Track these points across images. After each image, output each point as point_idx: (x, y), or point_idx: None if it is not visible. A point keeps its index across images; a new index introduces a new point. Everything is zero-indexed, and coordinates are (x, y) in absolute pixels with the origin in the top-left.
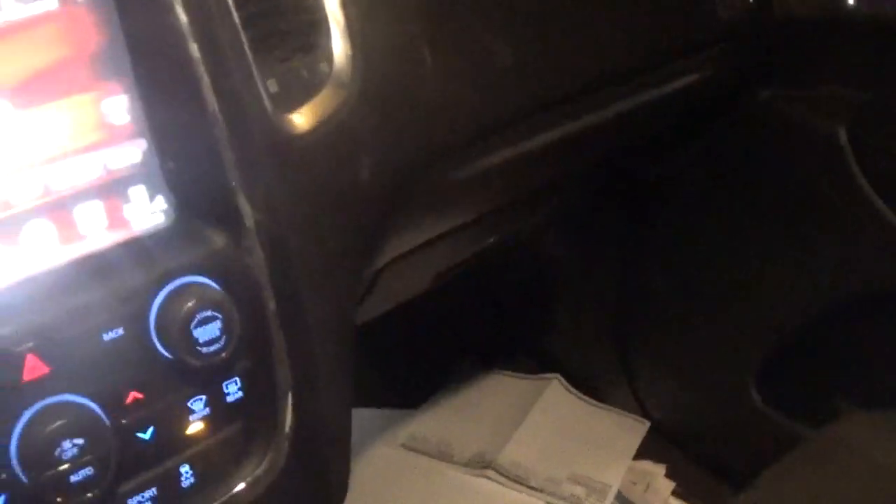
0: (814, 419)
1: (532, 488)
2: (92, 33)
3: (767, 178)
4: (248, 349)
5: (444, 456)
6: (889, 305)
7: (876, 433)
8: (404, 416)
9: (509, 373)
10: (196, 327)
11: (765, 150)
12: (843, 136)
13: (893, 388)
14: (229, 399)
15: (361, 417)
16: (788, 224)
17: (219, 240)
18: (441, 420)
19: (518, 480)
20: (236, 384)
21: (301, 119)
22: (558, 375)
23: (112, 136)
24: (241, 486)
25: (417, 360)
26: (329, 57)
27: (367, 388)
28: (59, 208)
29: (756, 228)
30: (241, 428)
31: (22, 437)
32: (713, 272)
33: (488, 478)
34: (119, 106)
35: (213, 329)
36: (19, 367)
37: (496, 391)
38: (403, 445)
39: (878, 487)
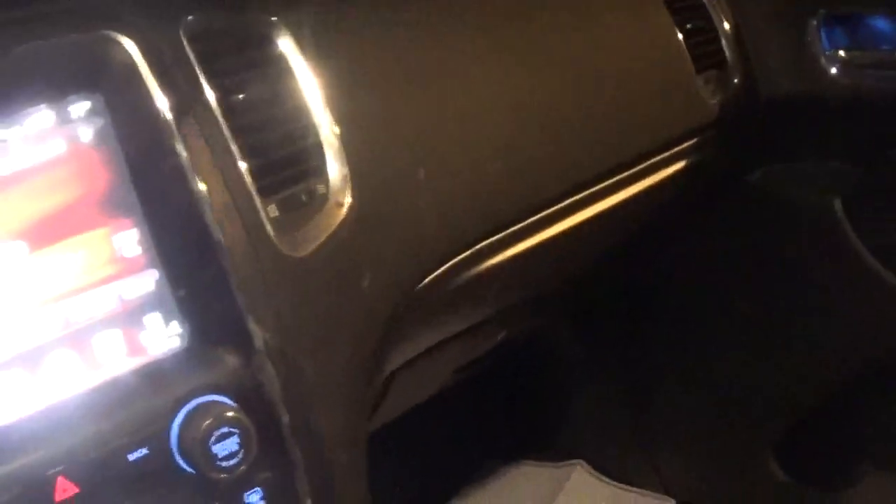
0: (835, 485)
1: None
2: (100, 172)
3: (769, 255)
4: (267, 461)
5: None
6: None
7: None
8: None
9: (533, 461)
10: (215, 443)
11: (762, 227)
12: (838, 208)
13: None
14: None
15: None
16: (794, 299)
17: (232, 360)
18: None
19: None
20: (258, 495)
21: (302, 241)
22: (581, 461)
23: (125, 269)
24: None
25: (440, 456)
26: (325, 179)
27: (389, 488)
28: (79, 338)
29: (762, 306)
30: None
31: None
32: (723, 351)
33: None
34: (130, 239)
35: (232, 444)
36: (50, 489)
37: (521, 481)
38: None
39: None
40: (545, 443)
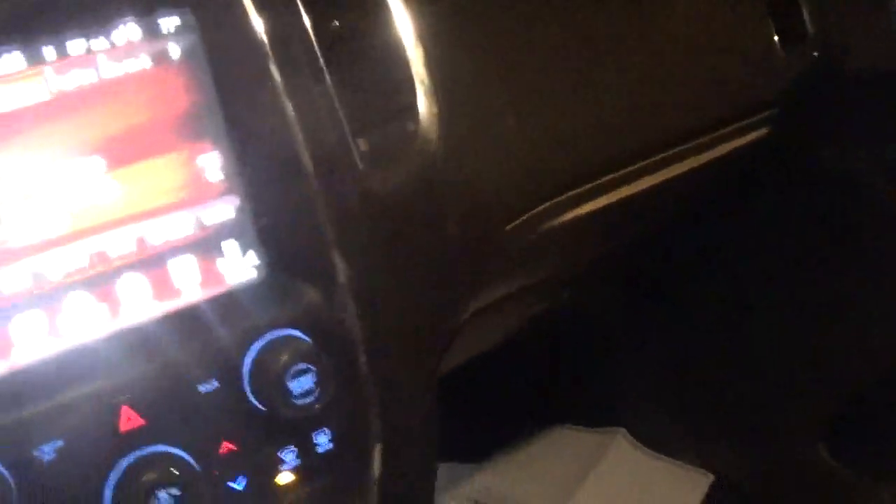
0: (885, 475)
1: None
2: (186, 91)
3: (824, 238)
4: (340, 402)
5: None
6: None
7: None
8: (472, 471)
9: (575, 427)
10: (290, 380)
11: (822, 209)
12: None
13: None
14: (320, 450)
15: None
16: (852, 280)
17: (312, 294)
18: (508, 475)
19: None
20: (327, 436)
21: (390, 177)
22: (623, 430)
23: (206, 193)
24: None
25: (486, 414)
26: (415, 117)
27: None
28: (153, 263)
29: (814, 288)
30: (331, 480)
31: (117, 487)
32: (775, 327)
33: None
34: (213, 163)
35: (308, 381)
36: (115, 418)
37: (562, 446)
38: (472, 500)
39: None
40: (588, 409)
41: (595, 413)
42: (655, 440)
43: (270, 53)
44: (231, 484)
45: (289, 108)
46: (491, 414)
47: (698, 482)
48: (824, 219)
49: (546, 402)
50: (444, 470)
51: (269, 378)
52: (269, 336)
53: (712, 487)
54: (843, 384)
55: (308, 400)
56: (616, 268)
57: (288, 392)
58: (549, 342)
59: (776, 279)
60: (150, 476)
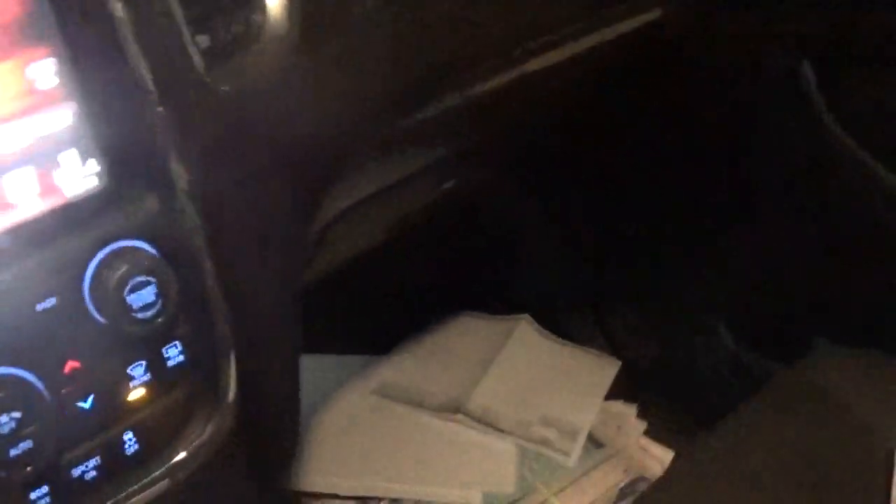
0: (785, 358)
1: (503, 431)
2: None
3: (731, 116)
4: (187, 313)
5: (415, 402)
6: (863, 246)
7: (846, 375)
8: (375, 363)
9: (479, 314)
10: (130, 293)
11: (724, 86)
12: (805, 70)
13: (866, 329)
14: (170, 365)
15: (331, 365)
16: (757, 161)
17: (153, 203)
18: (412, 366)
19: (489, 424)
20: (177, 349)
21: (234, 74)
22: (527, 316)
23: (40, 102)
24: (187, 451)
25: (387, 306)
26: (263, 8)
27: (335, 336)
28: None
29: (723, 167)
30: (184, 393)
31: None
32: (682, 211)
33: (459, 422)
34: (47, 70)
35: (149, 294)
36: None
37: (466, 334)
38: (374, 392)
39: (846, 431)
40: (493, 296)
41: (499, 300)
42: (561, 326)
43: None
44: (79, 403)
45: (118, 7)
46: (391, 305)
47: (606, 368)
48: (724, 96)
49: (449, 291)
50: (345, 364)
51: (109, 291)
52: (108, 248)
53: (619, 373)
54: (744, 268)
55: (150, 313)
56: (509, 149)
57: (128, 305)
58: (447, 229)
59: (682, 159)
60: None
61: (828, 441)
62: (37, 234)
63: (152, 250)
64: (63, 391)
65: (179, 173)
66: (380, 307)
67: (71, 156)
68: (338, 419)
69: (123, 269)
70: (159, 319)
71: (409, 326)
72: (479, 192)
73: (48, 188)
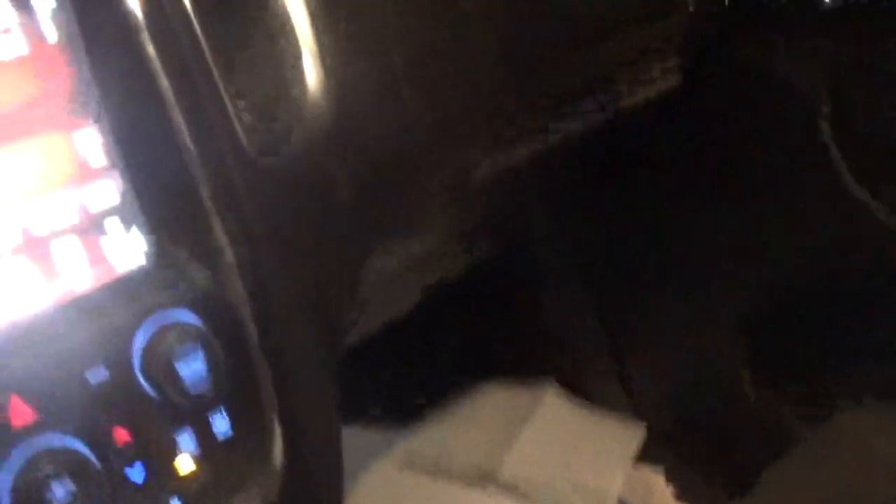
0: (811, 411)
1: (534, 501)
2: (64, 72)
3: (750, 148)
4: (234, 383)
5: (443, 472)
6: (885, 292)
7: (874, 423)
8: (401, 433)
9: (503, 382)
10: (179, 364)
11: (745, 112)
12: (824, 98)
13: (890, 377)
14: (217, 434)
15: (357, 438)
16: (769, 208)
17: (198, 275)
18: (438, 435)
19: (520, 494)
20: (224, 419)
21: (275, 146)
22: (553, 381)
23: (87, 174)
24: None
25: (411, 376)
26: (302, 82)
27: (361, 408)
28: (36, 248)
29: (741, 206)
30: (232, 463)
31: (11, 482)
32: (699, 263)
33: (489, 492)
34: (93, 143)
35: (198, 365)
36: (5, 411)
37: (492, 402)
38: (401, 463)
39: (881, 480)
40: (517, 361)
41: (523, 367)
42: (587, 391)
43: (145, 27)
44: (129, 473)
45: (164, 82)
46: (416, 375)
47: (632, 433)
48: (745, 121)
49: (473, 358)
50: (371, 437)
51: (159, 363)
52: (156, 319)
53: (646, 438)
54: (764, 322)
55: (199, 383)
56: (531, 218)
57: (178, 377)
58: (471, 297)
59: (700, 207)
60: (44, 469)
61: (862, 493)
62: (84, 304)
63: (199, 321)
64: (112, 461)
65: (224, 245)
66: (404, 377)
67: (118, 228)
68: (366, 492)
69: (172, 339)
70: (207, 390)
71: (435, 395)
72: (507, 257)
73: (95, 258)
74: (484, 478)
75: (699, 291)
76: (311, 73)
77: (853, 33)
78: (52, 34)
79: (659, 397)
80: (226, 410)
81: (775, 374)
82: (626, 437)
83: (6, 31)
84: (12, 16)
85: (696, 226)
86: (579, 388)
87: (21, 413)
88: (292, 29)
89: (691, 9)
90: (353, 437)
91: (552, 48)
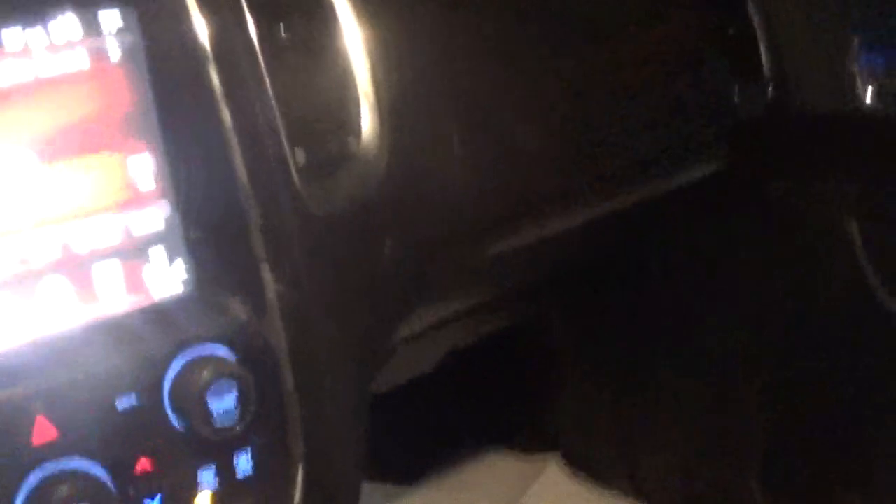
0: None
1: None
2: (123, 93)
3: (774, 271)
4: (263, 423)
5: None
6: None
7: None
8: (401, 493)
9: (508, 451)
10: (211, 398)
11: (773, 243)
12: (854, 230)
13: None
14: (239, 473)
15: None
16: (794, 318)
17: (239, 310)
18: (438, 498)
19: None
20: (248, 458)
21: (327, 192)
22: (557, 455)
23: (136, 198)
24: None
25: (416, 435)
26: (357, 132)
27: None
28: (77, 268)
29: (759, 322)
30: (251, 502)
31: (26, 501)
32: (715, 364)
33: None
34: (145, 167)
35: (229, 401)
36: (28, 429)
37: (494, 470)
38: None
39: None
40: (524, 431)
41: (530, 437)
42: (590, 468)
43: (211, 58)
44: (146, 503)
45: (226, 115)
46: (422, 435)
47: None
48: (774, 252)
49: (480, 423)
50: (371, 492)
51: (190, 396)
52: (192, 352)
53: None
54: (777, 423)
55: (229, 420)
56: (556, 291)
57: (208, 411)
58: (484, 364)
59: (719, 311)
60: (61, 492)
61: None
62: (120, 330)
63: (234, 357)
64: (131, 490)
65: (269, 284)
66: (409, 434)
67: (161, 255)
68: None
69: (205, 373)
70: (236, 427)
71: (437, 456)
72: (525, 327)
73: (136, 285)
74: None
75: (712, 387)
76: (368, 122)
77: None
78: (115, 53)
79: (664, 482)
80: (251, 449)
81: (784, 477)
82: None
83: (69, 44)
84: (77, 30)
85: (713, 319)
86: (584, 465)
87: (44, 432)
88: (352, 77)
89: (736, 100)
90: None
91: (605, 132)
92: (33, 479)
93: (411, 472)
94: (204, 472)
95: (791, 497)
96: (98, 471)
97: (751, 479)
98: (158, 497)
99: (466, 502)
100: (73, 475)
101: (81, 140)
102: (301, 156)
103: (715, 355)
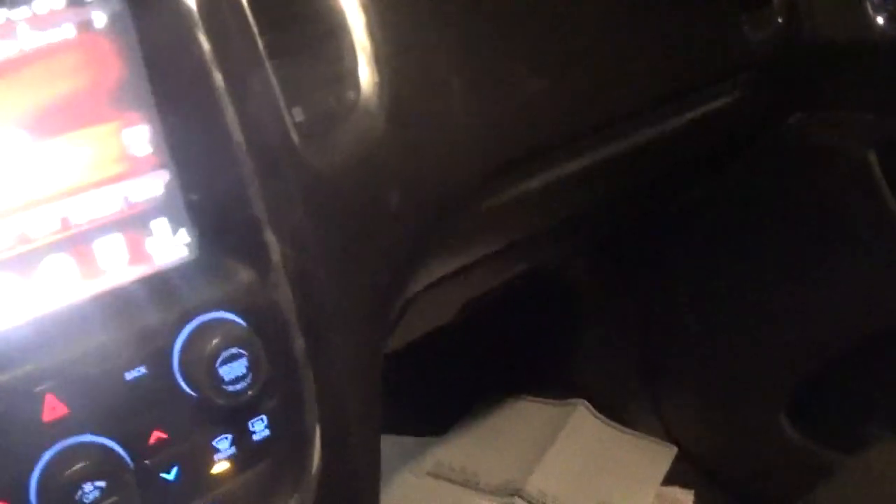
0: (846, 447)
1: None
2: (112, 62)
3: (796, 205)
4: (276, 387)
5: (470, 484)
6: None
7: None
8: (430, 444)
9: (535, 398)
10: (221, 365)
11: (793, 176)
12: (873, 160)
13: None
14: (256, 438)
15: (387, 445)
16: (818, 251)
17: (244, 275)
18: (467, 447)
19: None
20: (263, 423)
21: (327, 149)
22: (584, 401)
23: (133, 168)
24: None
25: (443, 386)
26: (356, 85)
27: (392, 415)
28: (78, 242)
29: (785, 256)
30: (268, 467)
31: (42, 479)
32: (741, 299)
33: None
34: (140, 137)
35: (240, 367)
36: (38, 407)
37: (522, 417)
38: (430, 473)
39: None
40: (550, 377)
41: (555, 383)
42: (617, 411)
43: (199, 20)
44: (163, 475)
45: (218, 78)
46: (449, 386)
47: (662, 454)
48: (795, 185)
49: (505, 372)
50: (400, 443)
51: (200, 363)
52: (199, 319)
53: (676, 460)
54: (803, 356)
55: (240, 386)
56: (576, 233)
57: (219, 378)
58: (508, 312)
59: (745, 246)
60: (76, 468)
61: None
62: (126, 302)
63: (243, 323)
64: (147, 461)
65: (273, 246)
66: (436, 387)
67: (162, 224)
68: (392, 499)
69: (215, 340)
70: (249, 392)
71: (466, 407)
72: (542, 273)
73: (139, 256)
74: (511, 490)
75: (742, 332)
76: (366, 77)
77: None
78: (100, 21)
79: (691, 422)
80: (265, 415)
81: (813, 412)
82: (656, 457)
83: (52, 14)
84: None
85: (737, 258)
86: (611, 409)
87: (54, 408)
88: (347, 31)
89: (746, 31)
90: (382, 444)
91: (612, 68)
92: (48, 456)
93: (440, 423)
94: (219, 440)
95: (823, 433)
96: (113, 444)
97: (781, 417)
98: (175, 468)
99: (496, 449)
100: (88, 451)
101: (74, 113)
102: (299, 113)
103: (741, 294)
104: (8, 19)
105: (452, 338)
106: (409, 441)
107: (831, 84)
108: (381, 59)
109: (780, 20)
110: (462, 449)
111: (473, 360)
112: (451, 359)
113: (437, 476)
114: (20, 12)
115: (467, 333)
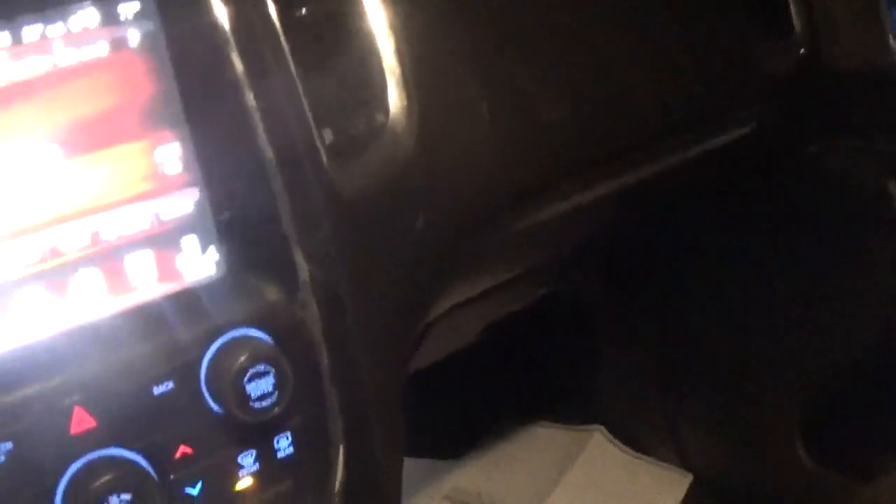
0: (862, 475)
1: None
2: (144, 80)
3: (813, 233)
4: (301, 405)
5: None
6: None
7: None
8: (447, 468)
9: (552, 424)
10: (248, 382)
11: (811, 203)
12: (893, 190)
13: None
14: (280, 455)
15: (404, 468)
16: (836, 280)
17: (272, 293)
18: (484, 472)
19: None
20: (287, 440)
21: (356, 170)
22: (601, 427)
23: (164, 186)
24: None
25: (460, 410)
26: (385, 108)
27: (409, 437)
28: (108, 258)
29: (802, 284)
30: (292, 484)
31: (68, 491)
32: (758, 326)
33: None
34: (172, 155)
35: (266, 384)
36: (66, 419)
37: (539, 442)
38: (446, 498)
39: None
40: (566, 403)
41: (573, 410)
42: (634, 438)
43: (232, 41)
44: (187, 489)
45: (250, 98)
46: (466, 410)
47: (677, 482)
48: (810, 213)
49: (523, 398)
50: (417, 467)
51: (227, 380)
52: (227, 336)
53: (691, 487)
54: (821, 383)
55: (266, 403)
56: (596, 261)
57: (245, 394)
58: (526, 337)
59: (760, 275)
60: (102, 481)
61: None
62: (155, 317)
63: (270, 341)
64: (172, 476)
65: (301, 265)
66: (453, 410)
67: (192, 241)
68: None
69: (243, 357)
70: (274, 409)
71: (482, 430)
72: (566, 298)
73: (168, 273)
74: None
75: (759, 359)
76: (395, 98)
77: None
78: (134, 38)
79: (707, 448)
80: (290, 432)
81: (829, 440)
82: (671, 484)
83: (86, 32)
84: (93, 15)
85: (754, 284)
86: (628, 436)
87: (81, 421)
88: (377, 54)
89: (766, 60)
90: None
91: (635, 96)
92: (74, 468)
93: (457, 447)
94: (244, 456)
95: (839, 461)
96: (138, 458)
97: (797, 444)
98: (199, 484)
99: (513, 474)
100: (114, 464)
101: (107, 130)
102: (328, 135)
103: (758, 321)
104: (43, 36)
105: (467, 360)
106: (425, 464)
107: (851, 112)
108: (410, 83)
109: (801, 51)
110: (479, 474)
111: (491, 382)
112: (468, 381)
113: (453, 500)
114: (55, 29)
115: (483, 356)
